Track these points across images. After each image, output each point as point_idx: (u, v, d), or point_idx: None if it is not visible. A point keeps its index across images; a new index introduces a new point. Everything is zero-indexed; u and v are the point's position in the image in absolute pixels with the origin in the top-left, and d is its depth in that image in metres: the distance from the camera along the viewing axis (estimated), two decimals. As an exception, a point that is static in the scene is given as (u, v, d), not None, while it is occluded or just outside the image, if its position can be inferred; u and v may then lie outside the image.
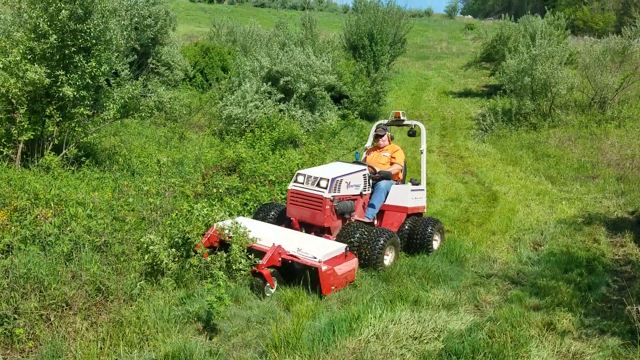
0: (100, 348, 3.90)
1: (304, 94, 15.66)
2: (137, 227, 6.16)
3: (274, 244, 5.49)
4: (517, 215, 9.40)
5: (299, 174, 6.63)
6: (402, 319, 4.75)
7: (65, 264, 5.06)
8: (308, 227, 6.49)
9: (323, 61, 16.15)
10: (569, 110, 17.76)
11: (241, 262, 5.44)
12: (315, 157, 9.84)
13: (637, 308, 4.40)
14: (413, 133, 8.19)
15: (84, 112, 8.65)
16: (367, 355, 4.07)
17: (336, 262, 5.59)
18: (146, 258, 5.16)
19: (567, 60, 19.79)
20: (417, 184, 7.69)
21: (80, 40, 8.32)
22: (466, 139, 18.02)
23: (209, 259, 5.40)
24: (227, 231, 5.60)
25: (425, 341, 4.43)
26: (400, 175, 7.72)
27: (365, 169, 7.07)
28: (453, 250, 7.13)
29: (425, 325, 4.66)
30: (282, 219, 6.78)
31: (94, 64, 8.63)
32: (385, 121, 8.47)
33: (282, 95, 15.33)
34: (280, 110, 14.90)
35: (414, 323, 4.69)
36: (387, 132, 7.78)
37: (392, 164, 7.60)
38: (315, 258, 5.39)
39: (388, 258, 6.45)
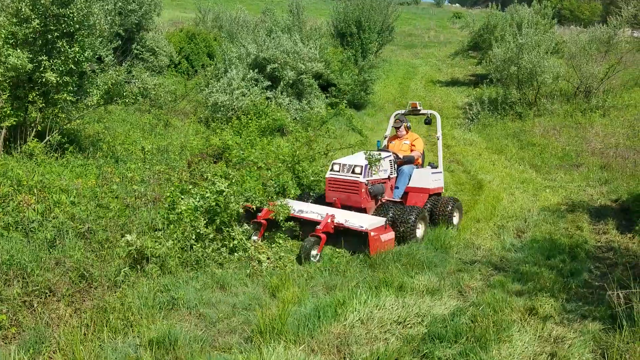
0: (84, 334, 3.89)
1: (291, 81, 15.57)
2: (121, 214, 6.13)
3: (327, 213, 6.47)
4: (502, 203, 9.49)
5: (334, 163, 7.49)
6: (386, 304, 4.79)
7: (49, 250, 5.03)
8: (345, 210, 7.21)
9: (310, 48, 16.06)
10: (554, 100, 17.90)
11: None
12: (307, 145, 9.81)
13: (617, 293, 4.48)
14: (429, 121, 9.10)
15: (68, 98, 8.53)
16: (351, 339, 4.10)
17: (379, 231, 6.42)
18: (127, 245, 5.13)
19: (554, 50, 19.90)
20: (436, 167, 8.58)
21: (63, 25, 8.19)
22: (453, 128, 18.09)
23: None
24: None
25: (409, 326, 4.47)
26: (420, 161, 8.50)
27: (390, 155, 7.93)
28: (438, 237, 7.17)
29: (409, 310, 4.70)
30: (320, 204, 7.49)
31: (77, 49, 8.50)
32: (403, 111, 9.23)
33: (269, 83, 15.24)
34: (267, 98, 14.81)
35: (398, 308, 4.74)
36: (403, 123, 8.53)
37: (412, 150, 8.43)
38: (362, 227, 6.24)
39: (419, 231, 7.23)
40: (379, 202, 7.49)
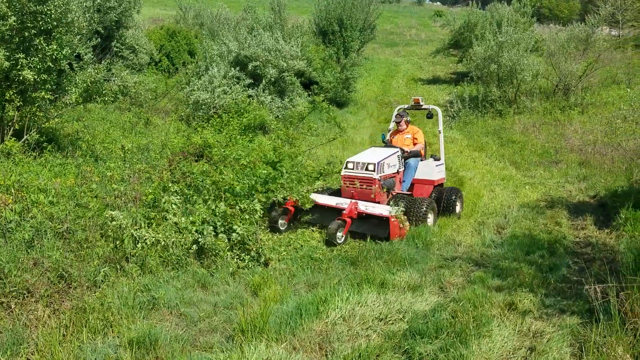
0: (63, 335, 3.84)
1: (273, 79, 15.53)
2: (100, 213, 6.06)
3: (351, 201, 7.30)
4: (482, 200, 9.58)
5: (348, 161, 8.09)
6: (368, 301, 4.81)
7: (27, 251, 4.95)
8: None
9: (292, 46, 16.03)
10: (533, 97, 18.12)
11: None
12: (290, 143, 9.78)
13: (594, 288, 4.54)
14: (431, 116, 9.61)
15: (46, 97, 8.41)
16: (333, 336, 4.11)
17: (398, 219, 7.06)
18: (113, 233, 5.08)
19: (533, 48, 20.13)
20: (438, 159, 9.15)
21: (40, 22, 8.06)
22: (434, 126, 18.19)
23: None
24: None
25: (391, 322, 4.49)
26: (422, 152, 9.02)
27: (398, 151, 8.49)
28: (419, 234, 7.22)
29: (390, 306, 4.72)
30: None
31: (55, 46, 8.38)
32: (406, 106, 9.84)
33: (251, 81, 15.18)
34: (249, 96, 14.74)
35: (380, 305, 4.76)
36: (403, 118, 9.04)
37: (415, 144, 8.93)
38: (383, 213, 7.06)
39: (430, 220, 7.88)
40: (390, 195, 8.11)
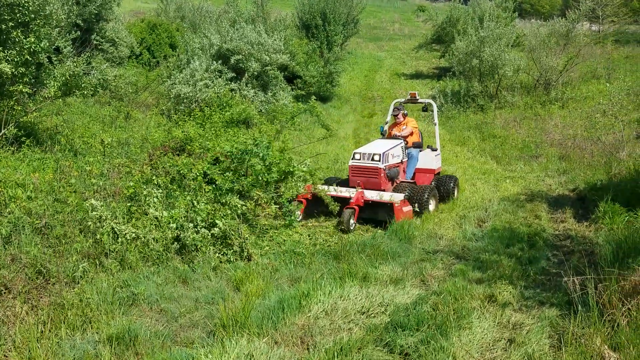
0: (41, 332, 3.79)
1: (255, 73, 15.42)
2: (79, 208, 5.97)
3: (357, 190, 7.87)
4: (464, 194, 9.65)
5: (355, 152, 8.60)
6: (350, 295, 4.82)
7: (4, 246, 4.87)
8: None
9: (275, 40, 15.93)
10: (515, 92, 18.28)
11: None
12: (276, 139, 9.72)
13: (573, 280, 4.61)
14: (426, 109, 10.48)
15: (23, 90, 8.25)
16: (315, 330, 4.11)
17: (401, 204, 7.66)
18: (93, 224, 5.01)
19: (514, 43, 20.29)
20: (435, 150, 9.82)
21: (17, 15, 7.91)
22: (417, 121, 18.27)
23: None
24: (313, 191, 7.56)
25: (373, 315, 4.51)
26: (417, 138, 9.57)
27: (401, 142, 9.03)
28: (402, 228, 7.25)
29: (372, 300, 4.74)
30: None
31: (32, 39, 8.22)
32: (403, 99, 10.50)
33: (234, 74, 15.06)
34: (232, 90, 14.63)
35: (362, 298, 4.78)
36: (400, 111, 9.58)
37: (412, 134, 9.45)
38: (387, 200, 7.68)
39: (431, 206, 8.49)
40: (395, 184, 8.68)
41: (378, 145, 8.80)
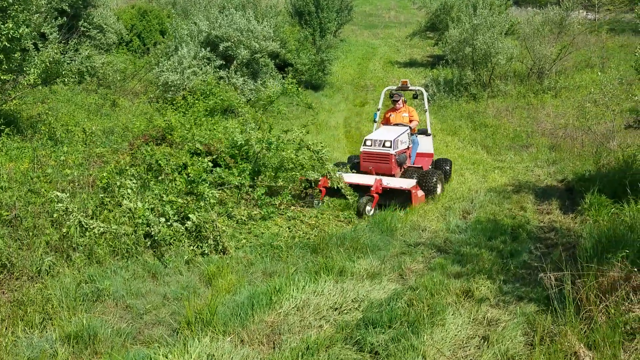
0: (-2, 329, 3.66)
1: (245, 60, 15.23)
2: (54, 199, 5.83)
3: (375, 178, 8.18)
4: (451, 184, 9.54)
5: (366, 139, 8.93)
6: (325, 290, 4.70)
7: (-32, 239, 4.73)
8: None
9: (265, 27, 15.71)
10: (508, 81, 18.11)
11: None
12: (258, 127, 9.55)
13: (549, 275, 4.50)
14: (416, 96, 10.80)
15: (2, 77, 8.08)
16: (284, 328, 4.00)
17: (415, 189, 8.14)
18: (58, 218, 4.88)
19: (509, 31, 20.07)
20: (429, 135, 10.28)
21: (-7, 0, 7.70)
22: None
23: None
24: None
25: (345, 312, 4.40)
26: (416, 130, 10.06)
27: (407, 129, 9.41)
28: (384, 220, 7.13)
29: (346, 295, 4.62)
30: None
31: (10, 25, 8.03)
32: (394, 87, 10.68)
33: (222, 62, 14.87)
34: (220, 78, 14.44)
35: (336, 294, 4.65)
36: (401, 97, 9.90)
37: (411, 121, 9.80)
38: (403, 186, 8.12)
39: (438, 189, 8.93)
40: (402, 169, 9.10)
41: (388, 132, 9.12)
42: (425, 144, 10.08)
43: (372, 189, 8.00)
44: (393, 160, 8.72)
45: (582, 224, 7.01)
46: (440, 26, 24.53)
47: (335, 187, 7.91)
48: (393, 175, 8.71)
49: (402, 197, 8.15)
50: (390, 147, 8.71)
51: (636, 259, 4.45)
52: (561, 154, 11.62)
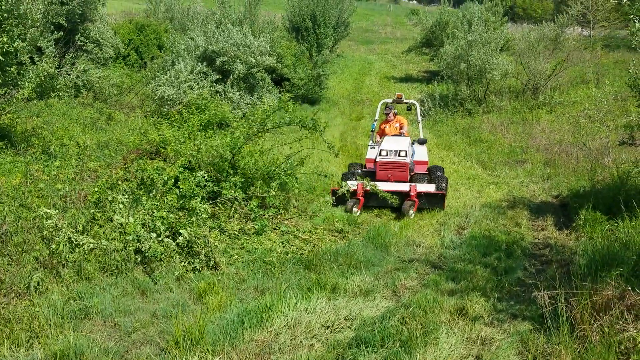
0: (-17, 348, 3.60)
1: (241, 75, 15.28)
2: (43, 216, 5.77)
3: (411, 185, 9.07)
4: (446, 200, 9.50)
5: (382, 150, 9.67)
6: (317, 307, 4.64)
7: (-43, 255, 4.67)
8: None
9: (261, 42, 15.77)
10: (502, 96, 18.17)
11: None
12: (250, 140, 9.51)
13: (543, 294, 4.45)
14: (410, 108, 12.32)
15: (-5, 91, 8.07)
16: (274, 347, 3.94)
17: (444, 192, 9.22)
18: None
19: (504, 47, 20.20)
20: (422, 144, 10.95)
21: (-12, 14, 7.72)
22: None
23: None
24: (367, 187, 8.57)
25: (338, 330, 4.34)
26: (407, 134, 10.75)
27: (409, 139, 10.30)
28: (379, 235, 7.09)
29: (339, 313, 4.56)
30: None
31: (5, 39, 8.04)
32: (390, 100, 11.72)
33: (219, 76, 14.91)
34: (217, 92, 14.47)
35: (328, 312, 4.60)
36: (391, 110, 10.79)
37: (401, 128, 10.68)
38: (433, 191, 9.13)
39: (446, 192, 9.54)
40: (410, 175, 9.80)
41: (399, 143, 9.86)
42: (422, 152, 10.74)
43: (412, 194, 8.90)
44: (408, 168, 9.54)
45: (577, 240, 6.98)
46: (436, 42, 24.69)
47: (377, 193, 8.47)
48: (407, 182, 9.45)
49: (433, 200, 9.01)
50: (406, 156, 9.54)
51: (630, 277, 4.43)
52: (556, 169, 11.62)
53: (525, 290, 5.43)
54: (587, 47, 23.80)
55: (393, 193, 8.66)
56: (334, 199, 8.33)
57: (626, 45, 23.92)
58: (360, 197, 8.85)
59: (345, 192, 8.28)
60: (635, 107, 9.46)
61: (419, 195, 9.00)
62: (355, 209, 8.60)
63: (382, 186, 8.80)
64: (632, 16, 6.43)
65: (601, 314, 4.11)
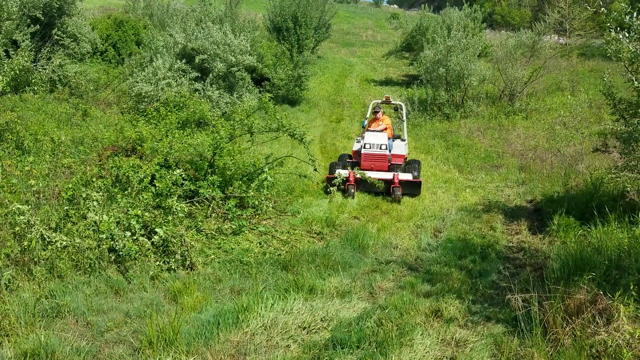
0: (-51, 347, 3.50)
1: (221, 73, 15.16)
2: (15, 212, 5.64)
3: (393, 174, 10.15)
4: (423, 203, 9.58)
5: (366, 143, 11.01)
6: (294, 308, 4.63)
7: None
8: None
9: (242, 41, 15.68)
10: (480, 102, 18.38)
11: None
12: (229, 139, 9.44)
13: (517, 296, 4.52)
14: (397, 109, 14.13)
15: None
16: (250, 348, 3.91)
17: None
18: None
19: (482, 53, 20.42)
20: (403, 140, 12.29)
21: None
22: (390, 118, 18.23)
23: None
24: (358, 175, 9.88)
25: (314, 331, 4.34)
26: (392, 133, 12.24)
27: (386, 134, 11.46)
28: (357, 237, 7.11)
29: (315, 314, 4.56)
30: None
31: (-23, 31, 7.83)
32: (379, 101, 13.39)
33: (198, 74, 14.77)
34: (196, 90, 14.34)
35: (305, 312, 4.59)
36: (380, 110, 12.22)
37: (386, 128, 11.96)
38: (410, 178, 10.30)
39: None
40: (389, 164, 10.99)
41: (380, 137, 11.12)
42: (399, 147, 11.82)
43: (396, 181, 9.93)
44: (388, 159, 10.78)
45: (550, 245, 7.10)
46: (416, 47, 24.87)
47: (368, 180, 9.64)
48: (386, 172, 10.57)
49: (411, 187, 10.12)
50: (386, 149, 10.84)
51: (602, 281, 4.51)
52: (531, 174, 11.79)
53: (499, 293, 5.50)
54: (563, 55, 24.25)
55: (379, 180, 9.87)
56: (329, 186, 9.60)
57: (601, 54, 24.46)
58: (354, 184, 9.94)
59: (340, 180, 9.46)
60: (609, 115, 9.64)
61: (400, 182, 9.99)
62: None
63: (369, 174, 9.86)
64: (608, 25, 6.55)
65: (573, 318, 4.18)
